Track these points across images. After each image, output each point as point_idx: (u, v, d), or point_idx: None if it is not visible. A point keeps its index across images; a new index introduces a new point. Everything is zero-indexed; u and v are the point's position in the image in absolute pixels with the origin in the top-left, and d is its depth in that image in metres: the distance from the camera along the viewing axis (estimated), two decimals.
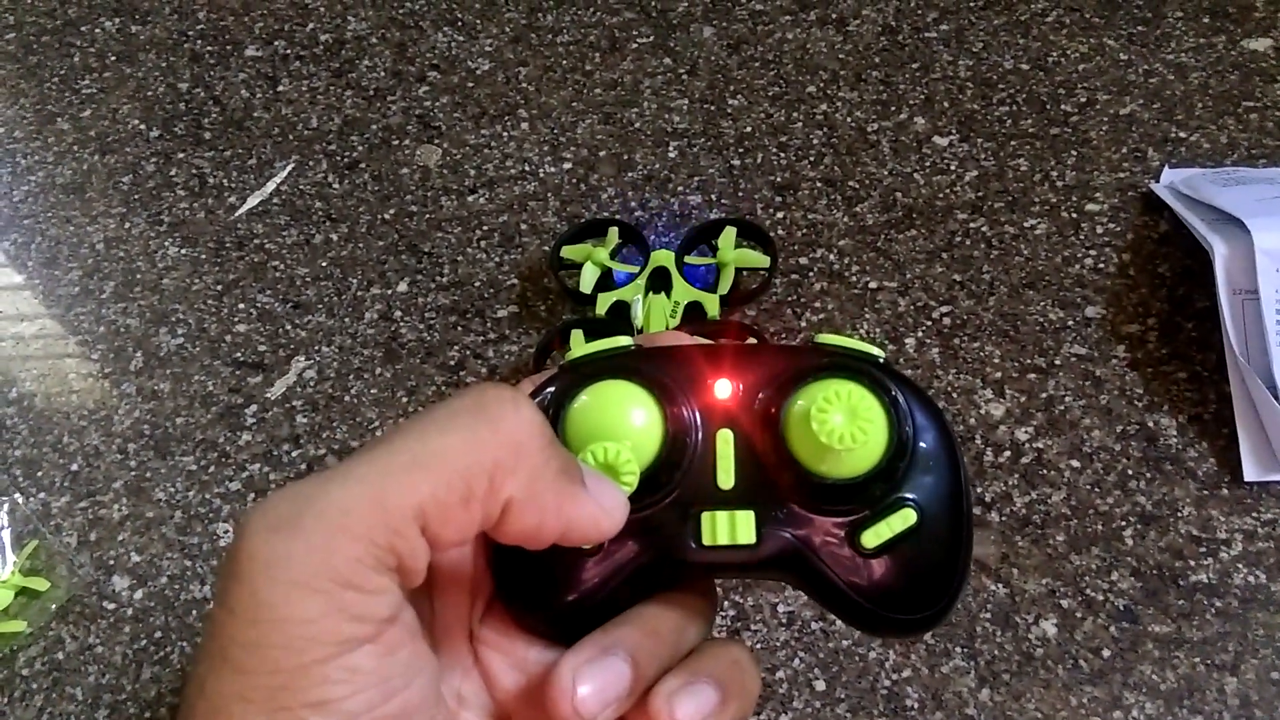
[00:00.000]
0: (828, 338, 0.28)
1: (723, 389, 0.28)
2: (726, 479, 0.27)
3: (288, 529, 0.22)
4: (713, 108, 0.70)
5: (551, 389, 0.28)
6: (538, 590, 0.27)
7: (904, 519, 0.26)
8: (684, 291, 0.59)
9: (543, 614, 0.27)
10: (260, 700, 0.21)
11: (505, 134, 0.71)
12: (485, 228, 0.67)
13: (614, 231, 0.62)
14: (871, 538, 0.26)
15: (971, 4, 0.74)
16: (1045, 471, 0.53)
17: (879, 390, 0.27)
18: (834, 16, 0.74)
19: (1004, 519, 0.52)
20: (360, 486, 0.22)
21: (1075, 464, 0.53)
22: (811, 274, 0.62)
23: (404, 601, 0.23)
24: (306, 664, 0.21)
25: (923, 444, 0.27)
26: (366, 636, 0.22)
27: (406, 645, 0.23)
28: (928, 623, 0.27)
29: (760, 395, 0.28)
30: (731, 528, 0.27)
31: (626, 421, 0.27)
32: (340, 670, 0.22)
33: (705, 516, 0.27)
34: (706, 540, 0.27)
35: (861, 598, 0.27)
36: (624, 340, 0.28)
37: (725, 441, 0.27)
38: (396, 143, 0.72)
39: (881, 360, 0.28)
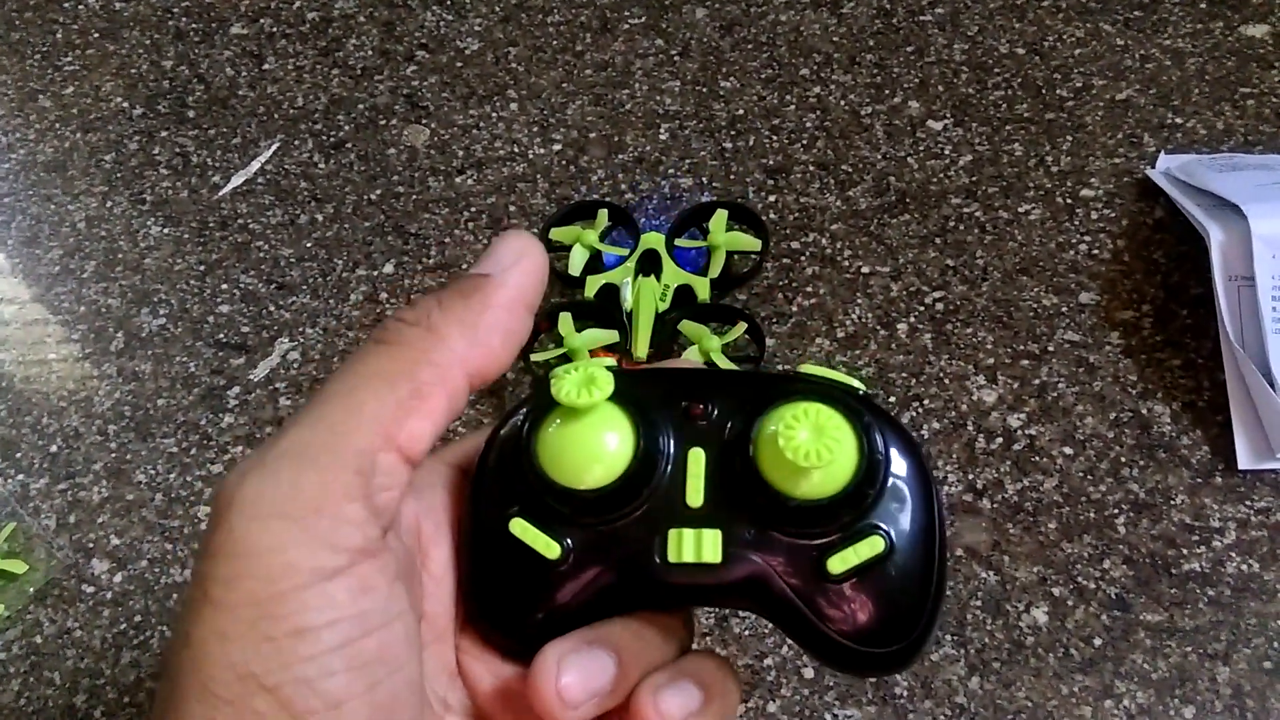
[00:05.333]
0: (811, 368, 0.28)
1: (698, 408, 0.28)
2: (696, 497, 0.27)
3: (256, 471, 0.23)
4: (705, 90, 0.70)
5: (525, 408, 0.28)
6: (507, 610, 0.27)
7: (871, 546, 0.26)
8: (674, 274, 0.58)
9: (513, 633, 0.27)
10: (240, 635, 0.22)
11: (494, 115, 0.70)
12: (473, 209, 0.66)
13: (603, 214, 0.61)
14: (838, 563, 0.26)
15: None
16: (1037, 458, 0.52)
17: (849, 414, 0.26)
18: None
19: (995, 506, 0.51)
20: (314, 423, 0.23)
21: (1068, 451, 0.53)
22: (803, 258, 0.61)
23: (381, 540, 0.24)
24: (283, 591, 0.22)
25: (896, 475, 0.27)
26: (340, 567, 0.22)
27: (383, 588, 0.23)
28: (895, 660, 0.27)
29: (734, 416, 0.27)
30: (697, 546, 0.26)
31: (600, 438, 0.27)
32: (317, 597, 0.22)
33: (672, 533, 0.26)
34: (672, 557, 0.26)
35: (826, 626, 0.26)
36: (607, 361, 0.29)
37: (696, 460, 0.27)
38: (383, 122, 0.71)
39: (861, 392, 0.28)
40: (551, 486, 0.27)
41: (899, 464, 0.27)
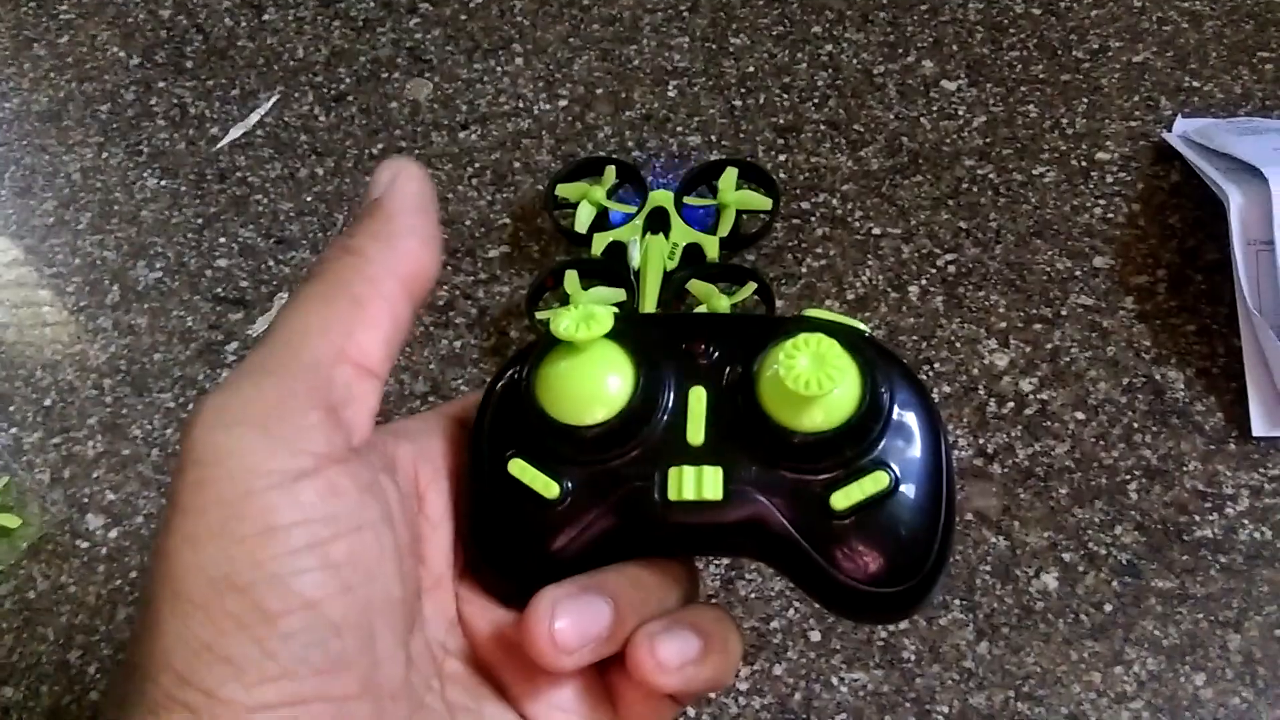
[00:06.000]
0: (816, 312, 0.27)
1: (698, 348, 0.27)
2: (696, 435, 0.26)
3: (221, 389, 0.23)
4: (714, 46, 0.68)
5: (528, 354, 0.28)
6: (506, 552, 0.27)
7: (876, 481, 0.25)
8: (683, 233, 0.57)
9: (512, 577, 0.27)
10: (210, 537, 0.21)
11: (499, 69, 0.69)
12: (477, 165, 0.64)
13: (611, 170, 0.60)
14: (841, 499, 0.25)
15: None
16: (1049, 423, 0.52)
17: (851, 347, 0.26)
18: None
19: (1006, 470, 0.51)
20: (268, 345, 0.24)
21: (1080, 416, 0.52)
22: (814, 218, 0.60)
23: (348, 450, 0.24)
24: (249, 492, 0.22)
25: (902, 412, 0.26)
26: (305, 469, 0.22)
27: (352, 493, 0.23)
28: (901, 602, 0.26)
29: (735, 355, 0.27)
30: (698, 483, 0.26)
31: (600, 375, 0.26)
32: (283, 497, 0.22)
33: (673, 471, 0.26)
34: (673, 495, 0.26)
35: (830, 566, 0.25)
36: (610, 309, 0.28)
37: (698, 398, 0.27)
38: (386, 75, 0.69)
39: (866, 334, 0.27)
40: (551, 425, 0.26)
41: (904, 400, 0.26)
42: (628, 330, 0.27)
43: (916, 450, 0.26)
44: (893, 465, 0.26)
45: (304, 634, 0.22)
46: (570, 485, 0.26)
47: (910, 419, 0.26)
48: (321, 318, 0.24)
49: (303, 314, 0.25)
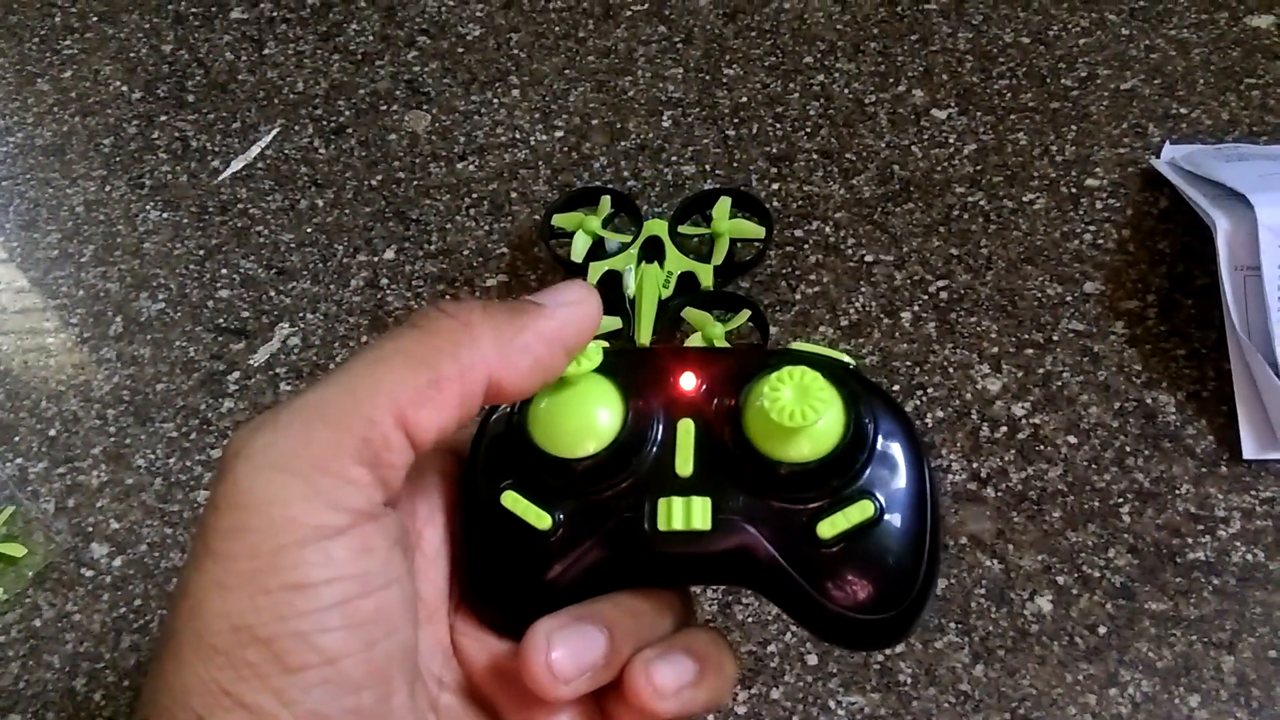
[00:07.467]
0: (801, 345, 0.28)
1: (686, 381, 0.28)
2: (685, 466, 0.27)
3: (268, 425, 0.23)
4: (708, 77, 0.69)
5: None
6: (500, 583, 0.27)
7: (862, 510, 0.26)
8: (677, 261, 0.58)
9: (506, 608, 0.27)
10: (238, 585, 0.22)
11: (496, 101, 0.70)
12: (474, 195, 0.65)
13: (606, 200, 0.61)
14: (828, 528, 0.26)
15: None
16: (1042, 447, 0.52)
17: (835, 379, 0.26)
18: None
19: (999, 494, 0.51)
20: (332, 387, 0.24)
21: (1072, 440, 0.52)
22: (807, 246, 0.61)
23: (382, 506, 0.24)
24: (284, 545, 0.22)
25: (886, 441, 0.27)
26: (342, 526, 0.22)
27: (383, 550, 0.23)
28: (889, 629, 0.26)
29: (723, 388, 0.28)
30: (687, 514, 0.26)
31: (590, 408, 0.27)
32: (317, 554, 0.22)
33: (662, 502, 0.26)
34: (662, 525, 0.26)
35: (818, 593, 0.26)
36: (599, 343, 0.29)
37: (686, 430, 0.27)
38: (384, 108, 0.70)
39: (850, 366, 0.28)
40: (543, 458, 0.27)
41: (888, 430, 0.27)
42: (617, 364, 0.28)
43: (901, 479, 0.27)
44: (878, 494, 0.26)
45: (322, 688, 0.22)
46: (562, 517, 0.27)
47: (894, 448, 0.27)
48: (398, 378, 0.24)
49: (381, 366, 0.24)
